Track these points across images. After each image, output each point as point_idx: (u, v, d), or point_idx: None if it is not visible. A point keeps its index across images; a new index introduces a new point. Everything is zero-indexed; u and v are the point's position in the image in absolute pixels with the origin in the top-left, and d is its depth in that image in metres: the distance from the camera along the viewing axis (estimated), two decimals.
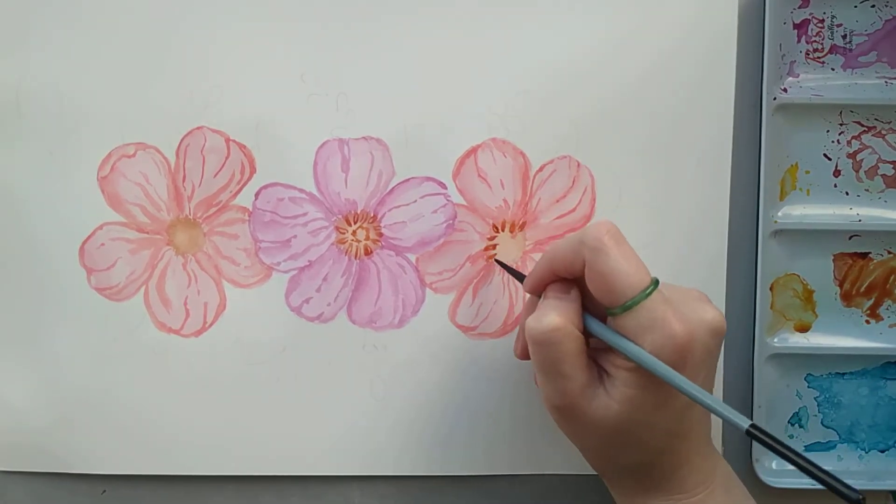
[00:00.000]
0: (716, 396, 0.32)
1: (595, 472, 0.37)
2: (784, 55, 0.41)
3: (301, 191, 0.42)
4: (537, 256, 0.42)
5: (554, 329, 0.32)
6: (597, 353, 0.34)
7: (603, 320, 0.34)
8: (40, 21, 0.41)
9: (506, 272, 0.41)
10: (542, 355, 0.33)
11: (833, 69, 0.41)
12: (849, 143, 0.42)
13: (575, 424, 0.34)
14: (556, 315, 0.33)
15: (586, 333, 0.34)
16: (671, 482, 0.34)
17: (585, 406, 0.33)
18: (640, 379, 0.32)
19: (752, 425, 0.29)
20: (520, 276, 0.39)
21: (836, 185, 0.42)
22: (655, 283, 0.32)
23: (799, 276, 0.42)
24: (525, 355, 0.37)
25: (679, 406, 0.33)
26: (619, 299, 0.32)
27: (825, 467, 0.42)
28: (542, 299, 0.35)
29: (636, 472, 0.35)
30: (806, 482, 0.42)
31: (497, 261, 0.41)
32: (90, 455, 0.42)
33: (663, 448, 0.34)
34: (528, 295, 0.38)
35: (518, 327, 0.39)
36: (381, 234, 0.42)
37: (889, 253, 0.42)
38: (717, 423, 0.41)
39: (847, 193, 0.42)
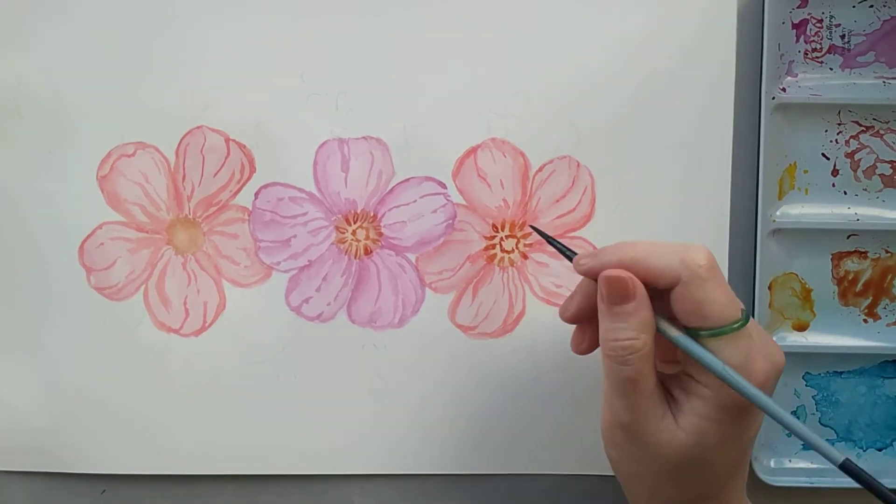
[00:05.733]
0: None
1: (594, 473, 0.37)
2: (783, 55, 0.41)
3: (301, 190, 0.42)
4: (537, 256, 0.42)
5: (636, 348, 0.32)
6: (664, 377, 0.34)
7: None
8: (39, 21, 0.41)
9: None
10: (620, 373, 0.32)
11: (831, 69, 0.42)
12: (847, 142, 0.42)
13: (634, 448, 0.33)
14: (642, 333, 0.32)
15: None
16: None
17: (653, 429, 0.32)
18: (711, 410, 0.32)
19: (847, 459, 0.30)
20: (567, 254, 0.36)
21: (834, 185, 0.42)
22: (746, 317, 0.32)
23: (797, 275, 0.42)
24: (575, 319, 0.35)
25: (742, 446, 0.33)
26: (708, 325, 0.31)
27: (823, 466, 0.43)
28: (616, 308, 0.33)
29: None
30: (804, 481, 0.42)
31: (533, 226, 0.40)
32: (90, 455, 0.42)
33: (715, 486, 0.33)
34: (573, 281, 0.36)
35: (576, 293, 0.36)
36: (380, 234, 0.42)
37: (887, 252, 0.42)
38: None
39: (845, 193, 0.42)
